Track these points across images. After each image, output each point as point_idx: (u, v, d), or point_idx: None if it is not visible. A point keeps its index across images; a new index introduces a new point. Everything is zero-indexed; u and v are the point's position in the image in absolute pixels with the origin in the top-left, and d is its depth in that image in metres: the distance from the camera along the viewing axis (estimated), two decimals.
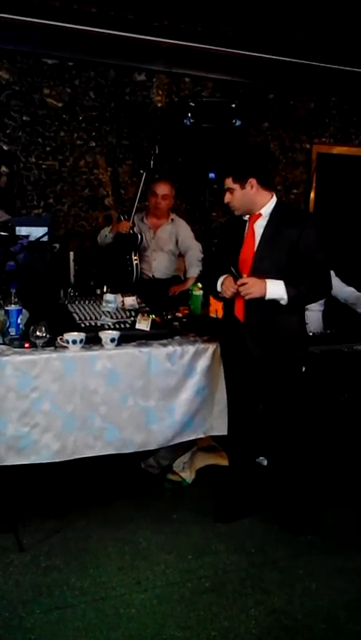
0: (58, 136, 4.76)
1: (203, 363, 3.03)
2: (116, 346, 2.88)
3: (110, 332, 2.92)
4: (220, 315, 3.13)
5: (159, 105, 5.06)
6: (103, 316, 3.11)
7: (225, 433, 3.07)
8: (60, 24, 4.40)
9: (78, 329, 2.92)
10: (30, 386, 2.70)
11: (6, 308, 2.89)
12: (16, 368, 2.67)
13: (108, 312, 3.15)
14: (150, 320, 3.06)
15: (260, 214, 2.79)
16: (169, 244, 4.24)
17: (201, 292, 3.54)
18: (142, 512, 3.08)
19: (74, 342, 2.79)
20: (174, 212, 4.36)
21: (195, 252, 4.23)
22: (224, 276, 2.84)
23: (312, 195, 5.69)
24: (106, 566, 2.62)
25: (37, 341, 2.77)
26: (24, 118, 4.63)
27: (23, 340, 2.83)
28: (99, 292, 3.41)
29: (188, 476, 3.38)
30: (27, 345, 2.79)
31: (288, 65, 5.18)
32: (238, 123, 4.74)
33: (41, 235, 3.38)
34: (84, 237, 4.86)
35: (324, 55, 5.24)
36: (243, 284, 2.70)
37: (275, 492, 3.07)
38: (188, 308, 3.57)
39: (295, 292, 2.68)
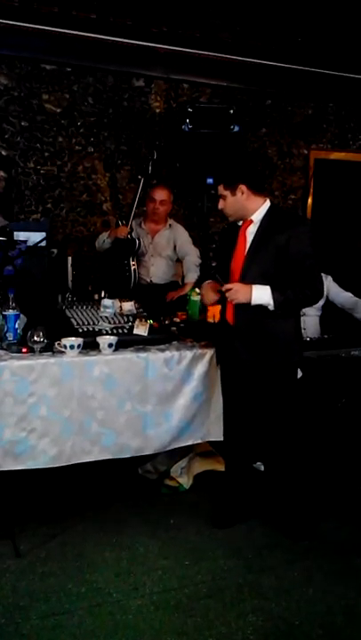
0: (56, 141, 4.77)
1: (200, 368, 3.03)
2: (114, 351, 2.88)
3: (108, 337, 2.92)
4: (218, 319, 3.14)
5: (157, 111, 5.08)
6: (101, 321, 3.11)
7: (222, 438, 3.07)
8: (58, 30, 4.42)
9: (76, 334, 2.92)
10: (28, 391, 2.69)
11: (4, 313, 2.88)
12: (13, 373, 2.66)
13: (106, 317, 3.15)
14: (148, 325, 3.06)
15: (251, 221, 2.80)
16: (167, 250, 4.25)
17: (199, 298, 3.54)
18: (139, 517, 3.08)
19: (71, 347, 2.79)
20: (172, 218, 4.37)
21: (192, 257, 4.24)
22: (206, 282, 2.86)
23: (310, 200, 5.71)
24: (103, 572, 2.61)
25: (35, 346, 2.77)
26: (22, 124, 4.65)
27: (21, 344, 2.83)
28: (96, 297, 3.41)
29: (185, 481, 3.37)
30: (24, 350, 2.79)
31: (286, 71, 5.21)
32: (236, 128, 4.77)
33: (39, 240, 3.39)
34: (81, 242, 4.87)
35: (322, 61, 5.27)
36: (228, 290, 2.71)
37: (272, 498, 3.07)
38: (185, 313, 3.57)
39: (282, 297, 2.67)
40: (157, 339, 3.08)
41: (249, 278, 2.73)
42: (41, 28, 4.37)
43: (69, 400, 2.77)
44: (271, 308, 2.69)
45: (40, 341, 2.77)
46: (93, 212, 4.97)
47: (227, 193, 2.79)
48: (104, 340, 2.88)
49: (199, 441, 3.14)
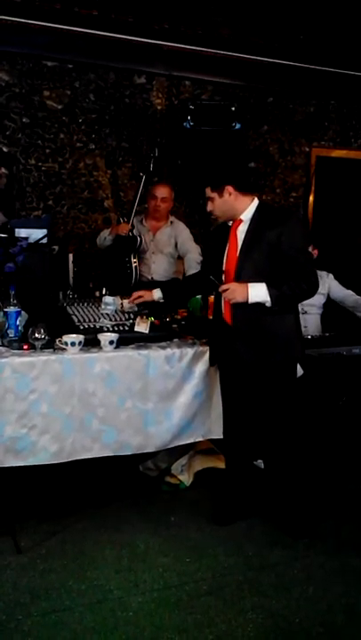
0: (57, 138, 4.76)
1: (201, 366, 3.03)
2: (115, 348, 2.88)
3: (109, 334, 2.92)
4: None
5: (159, 108, 5.06)
6: (102, 319, 3.11)
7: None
8: (60, 26, 4.41)
9: (77, 331, 2.92)
10: (29, 388, 2.70)
11: (5, 310, 2.88)
12: (14, 370, 2.66)
13: (107, 314, 3.15)
14: (149, 322, 3.06)
15: (240, 220, 2.79)
16: (168, 247, 4.24)
17: (200, 295, 3.54)
18: (140, 515, 3.08)
19: (72, 344, 2.79)
20: (173, 215, 4.37)
21: (194, 254, 4.22)
22: None
23: (311, 198, 5.69)
24: (103, 569, 2.62)
25: (36, 343, 2.77)
26: (24, 120, 4.64)
27: (22, 341, 2.83)
28: (98, 294, 3.41)
29: (186, 478, 3.38)
30: (25, 347, 2.79)
31: (288, 68, 5.19)
32: (238, 126, 4.76)
33: (40, 237, 3.39)
34: (83, 239, 4.86)
35: (324, 59, 5.26)
36: (225, 290, 2.71)
37: (272, 496, 3.07)
38: (186, 310, 3.57)
39: (278, 293, 2.67)
40: (158, 336, 3.08)
41: (244, 277, 2.72)
42: (43, 25, 4.36)
43: (70, 397, 2.77)
44: (269, 304, 2.68)
45: (41, 338, 2.77)
46: (95, 209, 4.96)
47: (214, 195, 2.78)
48: (105, 338, 2.88)
49: (200, 439, 3.14)
